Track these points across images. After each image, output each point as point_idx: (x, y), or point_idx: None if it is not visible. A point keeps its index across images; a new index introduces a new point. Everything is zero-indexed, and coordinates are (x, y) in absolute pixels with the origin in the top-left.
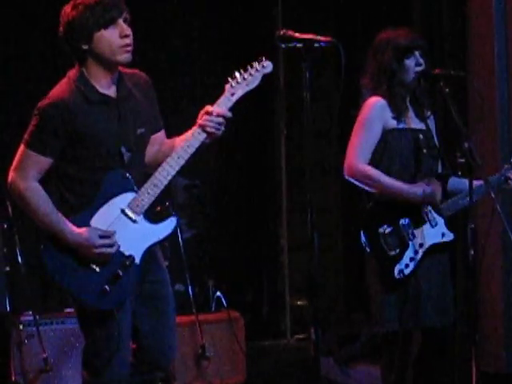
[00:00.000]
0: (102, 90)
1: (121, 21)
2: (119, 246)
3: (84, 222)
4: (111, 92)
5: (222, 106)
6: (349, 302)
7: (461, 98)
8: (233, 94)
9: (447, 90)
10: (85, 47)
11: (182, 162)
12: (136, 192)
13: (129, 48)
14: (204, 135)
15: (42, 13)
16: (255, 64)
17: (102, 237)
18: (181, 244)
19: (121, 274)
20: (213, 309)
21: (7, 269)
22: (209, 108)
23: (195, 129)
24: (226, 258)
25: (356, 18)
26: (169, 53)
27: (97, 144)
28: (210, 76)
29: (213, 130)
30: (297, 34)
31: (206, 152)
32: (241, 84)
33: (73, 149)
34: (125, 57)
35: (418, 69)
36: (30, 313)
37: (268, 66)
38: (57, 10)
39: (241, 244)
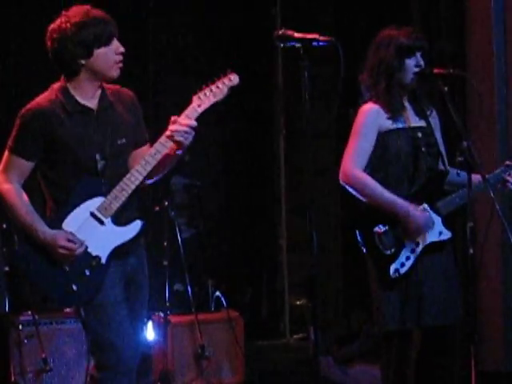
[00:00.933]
0: (82, 102)
1: (115, 39)
2: (87, 247)
3: (56, 224)
4: (92, 104)
5: (189, 117)
6: (348, 301)
7: (459, 97)
8: (200, 105)
9: (446, 89)
10: (82, 62)
11: (148, 167)
12: (105, 197)
13: (121, 64)
14: (170, 143)
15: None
16: (222, 77)
17: (68, 240)
18: (180, 244)
19: (88, 273)
20: (212, 308)
21: (6, 269)
22: (175, 118)
23: (163, 137)
24: (225, 258)
25: (355, 17)
26: (168, 52)
27: (72, 151)
28: (208, 75)
29: (179, 139)
30: (295, 34)
31: (206, 152)
32: (208, 96)
33: (51, 155)
34: (117, 72)
35: (417, 69)
36: (30, 313)
37: (234, 79)
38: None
39: (240, 244)
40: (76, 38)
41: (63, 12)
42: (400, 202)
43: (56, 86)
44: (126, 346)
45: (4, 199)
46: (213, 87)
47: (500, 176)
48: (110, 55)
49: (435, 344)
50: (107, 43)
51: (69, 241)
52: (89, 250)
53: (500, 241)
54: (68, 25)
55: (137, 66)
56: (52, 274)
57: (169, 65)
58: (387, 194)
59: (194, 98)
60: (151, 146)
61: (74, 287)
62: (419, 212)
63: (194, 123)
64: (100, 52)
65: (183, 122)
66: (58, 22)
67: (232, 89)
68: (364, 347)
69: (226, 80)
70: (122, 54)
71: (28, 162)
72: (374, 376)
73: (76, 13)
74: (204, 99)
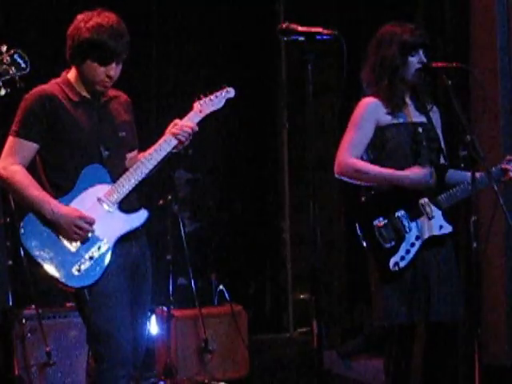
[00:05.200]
0: (84, 94)
1: (114, 63)
2: (94, 231)
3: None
4: (93, 97)
5: (191, 120)
6: (351, 295)
7: (463, 91)
8: (201, 111)
9: (449, 82)
10: (76, 63)
11: (154, 162)
12: (112, 184)
13: (109, 84)
14: (175, 142)
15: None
16: (220, 89)
17: (83, 216)
18: (183, 238)
19: (93, 256)
20: (216, 302)
21: (10, 263)
22: (178, 121)
23: (168, 136)
24: (228, 252)
25: (358, 11)
26: (170, 48)
27: (78, 138)
28: (211, 70)
29: (182, 139)
30: (299, 28)
31: (209, 146)
32: (208, 104)
33: (55, 140)
34: (101, 89)
35: (420, 66)
36: (33, 307)
37: (231, 91)
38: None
39: (243, 238)
40: (79, 40)
41: (97, 10)
42: (394, 173)
43: (58, 79)
44: (124, 338)
45: (12, 180)
46: (212, 97)
47: (502, 169)
48: (98, 73)
49: (438, 338)
50: (102, 63)
51: (84, 217)
52: (96, 233)
53: (504, 235)
54: (83, 24)
55: (140, 59)
56: (57, 251)
57: (171, 59)
58: (380, 170)
59: (195, 105)
60: (139, 152)
61: (80, 267)
62: (414, 171)
63: (196, 127)
64: (92, 65)
65: (187, 124)
66: (83, 15)
67: (228, 101)
68: (368, 341)
69: (224, 92)
70: (110, 78)
71: (33, 143)
72: (378, 370)
73: (99, 18)
74: (204, 107)
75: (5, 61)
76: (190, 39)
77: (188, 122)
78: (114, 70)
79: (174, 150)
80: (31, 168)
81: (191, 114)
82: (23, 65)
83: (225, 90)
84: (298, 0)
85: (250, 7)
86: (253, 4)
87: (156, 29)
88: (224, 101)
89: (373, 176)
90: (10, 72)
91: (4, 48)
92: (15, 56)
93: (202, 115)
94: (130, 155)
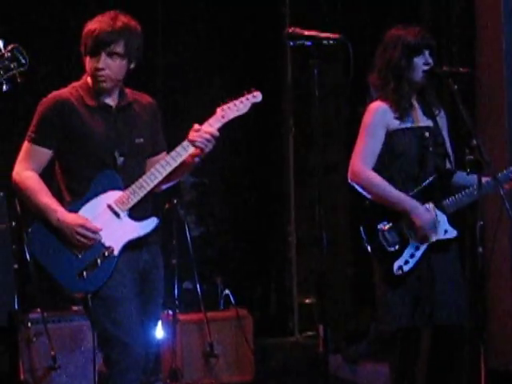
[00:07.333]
0: (101, 99)
1: (103, 54)
2: (101, 237)
3: (73, 212)
4: (111, 101)
5: (212, 125)
6: (357, 299)
7: (469, 95)
8: (223, 116)
9: (455, 87)
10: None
11: (168, 168)
12: (124, 191)
13: (101, 78)
14: (192, 148)
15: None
16: (247, 94)
17: (87, 225)
18: (189, 242)
19: (99, 262)
20: (221, 306)
21: (15, 266)
22: (197, 126)
23: (185, 142)
24: (234, 256)
25: (364, 14)
26: (176, 51)
27: (91, 145)
28: (217, 74)
29: (201, 146)
30: (305, 32)
31: (214, 150)
32: (231, 109)
33: (70, 146)
34: (100, 85)
35: (426, 68)
36: (39, 310)
37: (258, 96)
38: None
39: (249, 242)
40: (82, 38)
41: (109, 12)
42: (407, 200)
43: (77, 83)
44: (134, 342)
45: (24, 185)
46: (237, 102)
47: (508, 175)
48: (89, 66)
49: (444, 343)
50: (90, 54)
51: (87, 226)
52: (103, 240)
53: (510, 239)
54: (88, 22)
55: (147, 67)
56: (63, 258)
57: (178, 62)
58: (394, 193)
59: (218, 110)
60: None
61: (85, 273)
62: (425, 211)
63: (217, 133)
64: (86, 60)
65: (207, 130)
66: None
67: (254, 105)
68: (373, 345)
69: (250, 96)
70: (97, 70)
71: (47, 150)
72: (384, 374)
73: (100, 15)
74: (228, 112)
75: (5, 56)
76: (195, 43)
77: (208, 128)
78: (103, 61)
79: (196, 159)
80: (50, 173)
81: (212, 119)
82: (23, 60)
83: (251, 95)
84: (304, 2)
85: (256, 10)
86: (259, 8)
87: (160, 30)
88: (250, 105)
89: (383, 194)
90: (11, 67)
91: (0, 43)
92: (15, 51)
93: (225, 120)
94: (155, 158)
